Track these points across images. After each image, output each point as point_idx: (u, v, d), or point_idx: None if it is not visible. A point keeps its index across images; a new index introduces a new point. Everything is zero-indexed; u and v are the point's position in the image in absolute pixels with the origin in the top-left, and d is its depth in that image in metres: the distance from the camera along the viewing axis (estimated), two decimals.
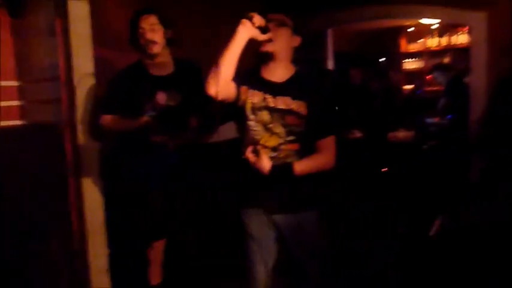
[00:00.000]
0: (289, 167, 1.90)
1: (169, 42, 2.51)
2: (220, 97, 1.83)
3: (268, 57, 1.93)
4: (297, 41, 1.96)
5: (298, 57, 2.01)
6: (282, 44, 1.90)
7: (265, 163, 1.87)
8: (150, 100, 2.43)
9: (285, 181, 1.92)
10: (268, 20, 1.84)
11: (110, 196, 2.66)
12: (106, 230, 2.64)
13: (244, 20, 1.78)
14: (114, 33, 3.21)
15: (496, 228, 1.92)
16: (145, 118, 2.38)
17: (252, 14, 1.79)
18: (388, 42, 8.13)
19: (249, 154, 1.87)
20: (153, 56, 2.47)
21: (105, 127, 2.47)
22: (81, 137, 2.52)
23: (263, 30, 1.81)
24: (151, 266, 2.67)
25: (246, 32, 1.79)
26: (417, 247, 2.62)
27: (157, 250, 2.65)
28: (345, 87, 4.93)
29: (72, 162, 2.52)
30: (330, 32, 6.19)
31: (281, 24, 1.88)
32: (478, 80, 4.19)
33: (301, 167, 1.91)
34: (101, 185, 2.61)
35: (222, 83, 1.79)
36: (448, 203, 2.08)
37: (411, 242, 2.91)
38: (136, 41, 2.45)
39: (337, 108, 3.67)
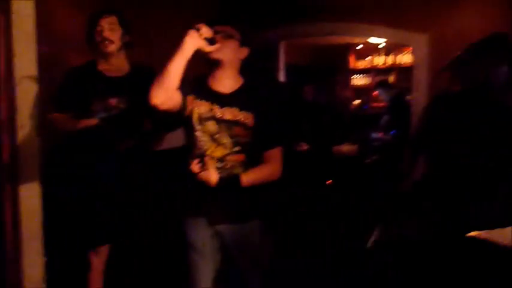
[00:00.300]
0: (236, 178, 1.91)
1: (126, 46, 2.49)
2: (163, 107, 1.82)
3: (216, 66, 1.93)
4: (244, 52, 1.97)
5: (249, 67, 2.04)
6: (229, 54, 1.91)
7: (213, 175, 1.87)
8: (101, 101, 2.39)
9: (231, 192, 1.93)
10: (215, 32, 1.85)
11: (53, 198, 2.56)
12: (44, 235, 2.54)
13: (191, 31, 1.78)
14: (60, 33, 3.13)
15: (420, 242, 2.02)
16: (95, 119, 2.34)
17: (200, 25, 1.79)
18: (338, 58, 8.39)
19: (195, 166, 1.86)
20: (107, 55, 2.43)
21: (53, 125, 2.41)
22: (20, 138, 2.42)
23: (210, 41, 1.82)
24: (92, 273, 2.58)
25: (192, 42, 1.79)
26: (356, 258, 2.72)
27: (100, 256, 2.56)
28: (296, 100, 5.03)
29: (8, 165, 2.41)
30: (282, 45, 6.32)
31: (228, 36, 1.89)
32: (419, 98, 4.42)
33: (248, 178, 1.93)
34: (40, 189, 2.51)
35: (165, 93, 1.78)
36: (384, 215, 2.17)
37: (351, 253, 3.02)
38: (92, 39, 2.41)
39: (287, 120, 3.74)
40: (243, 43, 1.94)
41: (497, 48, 1.96)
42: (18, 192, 2.42)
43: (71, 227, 2.60)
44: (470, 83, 2.04)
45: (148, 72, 2.45)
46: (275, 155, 2.00)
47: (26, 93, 2.44)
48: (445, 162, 2.11)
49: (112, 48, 2.42)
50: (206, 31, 1.80)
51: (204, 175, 1.86)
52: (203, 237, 2.03)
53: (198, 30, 1.78)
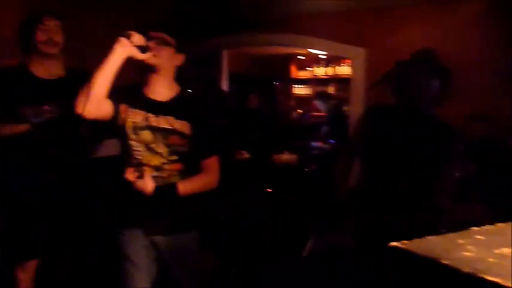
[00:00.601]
0: (173, 187, 1.87)
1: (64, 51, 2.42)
2: (90, 116, 1.76)
3: (150, 73, 1.89)
4: (180, 59, 1.94)
5: (191, 76, 2.01)
6: (164, 61, 1.87)
7: (148, 184, 1.82)
8: (33, 105, 2.27)
9: (168, 202, 1.89)
10: (149, 38, 1.82)
11: None
12: None
13: (121, 38, 1.73)
14: None
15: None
16: (26, 125, 2.22)
17: (131, 32, 1.74)
18: (280, 67, 8.54)
19: (130, 175, 1.81)
20: (47, 57, 2.34)
21: None
22: None
23: (143, 49, 1.77)
24: None
25: (123, 50, 1.74)
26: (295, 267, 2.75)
27: (27, 272, 2.42)
28: (239, 108, 5.05)
29: None
30: (225, 54, 6.34)
31: (163, 42, 1.86)
32: (356, 109, 4.59)
33: (185, 187, 1.89)
34: None
35: (92, 103, 1.73)
36: (320, 223, 2.22)
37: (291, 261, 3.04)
38: (30, 40, 2.31)
39: (228, 128, 3.74)
40: (178, 50, 1.91)
41: (427, 63, 2.07)
42: None
43: None
44: (403, 97, 2.13)
45: (85, 76, 2.37)
46: (212, 164, 1.98)
47: None
48: (375, 173, 2.20)
49: (55, 50, 2.35)
50: (138, 38, 1.75)
51: (139, 184, 1.81)
52: (139, 249, 1.97)
53: (128, 37, 1.73)
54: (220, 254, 3.35)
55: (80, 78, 2.23)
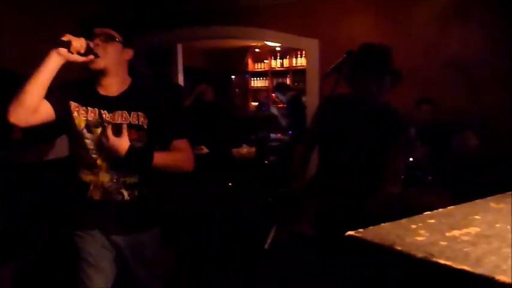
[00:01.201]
0: (149, 151, 1.77)
1: None
2: (24, 124, 1.68)
3: (100, 74, 1.82)
4: (129, 53, 1.87)
5: (144, 70, 1.95)
6: (112, 59, 1.79)
7: (124, 142, 1.72)
8: None
9: (141, 166, 1.80)
10: (94, 35, 1.74)
11: None
12: None
13: (59, 49, 1.62)
14: None
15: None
16: None
17: (69, 38, 1.62)
18: (236, 60, 8.51)
19: (108, 132, 1.72)
20: None
21: None
22: None
23: (84, 53, 1.67)
24: None
25: (59, 58, 1.64)
26: (255, 259, 2.76)
27: (2, 277, 2.35)
28: (196, 103, 4.98)
29: None
30: (179, 47, 6.24)
31: (109, 38, 1.77)
32: (312, 99, 4.64)
33: (160, 157, 1.80)
34: None
35: (25, 112, 1.64)
36: (279, 214, 2.22)
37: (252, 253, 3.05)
38: None
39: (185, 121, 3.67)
40: (125, 44, 1.83)
41: (379, 60, 2.10)
42: None
43: None
44: (354, 87, 2.16)
45: (9, 76, 2.26)
46: (184, 145, 1.90)
47: None
48: (330, 162, 2.23)
49: None
50: (77, 45, 1.63)
51: (114, 142, 1.71)
52: (97, 250, 1.91)
53: (68, 46, 1.62)
54: (182, 252, 3.32)
55: (13, 78, 2.13)
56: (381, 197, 2.04)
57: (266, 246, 1.98)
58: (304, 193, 2.19)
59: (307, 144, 2.34)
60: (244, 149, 4.32)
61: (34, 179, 2.58)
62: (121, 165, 1.81)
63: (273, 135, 5.67)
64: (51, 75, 1.66)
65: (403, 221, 0.79)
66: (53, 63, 1.64)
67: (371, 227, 0.76)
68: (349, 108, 2.19)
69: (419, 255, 0.63)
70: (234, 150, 4.29)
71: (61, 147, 2.98)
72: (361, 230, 0.75)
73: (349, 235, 0.73)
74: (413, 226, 0.76)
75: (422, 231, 0.73)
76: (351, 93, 2.19)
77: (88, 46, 1.67)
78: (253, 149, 4.37)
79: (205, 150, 3.96)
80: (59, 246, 2.49)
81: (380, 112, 2.16)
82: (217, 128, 4.54)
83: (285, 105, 6.21)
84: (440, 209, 0.87)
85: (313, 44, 4.68)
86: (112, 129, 1.77)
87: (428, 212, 0.84)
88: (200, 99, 4.20)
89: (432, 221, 0.80)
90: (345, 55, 2.21)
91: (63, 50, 1.62)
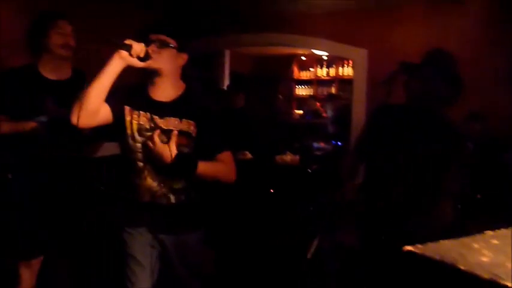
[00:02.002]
0: (194, 160, 1.81)
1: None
2: (85, 126, 1.76)
3: (155, 76, 1.86)
4: (183, 59, 1.91)
5: (192, 75, 1.99)
6: (167, 64, 1.84)
7: (172, 149, 1.76)
8: (40, 104, 2.28)
9: (185, 173, 1.84)
10: (150, 41, 1.79)
11: None
12: None
13: (120, 51, 1.69)
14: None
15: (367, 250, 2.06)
16: (32, 123, 2.22)
17: (130, 42, 1.70)
18: (282, 68, 8.52)
19: (156, 137, 1.76)
20: (61, 59, 2.37)
21: None
22: None
23: (143, 58, 1.73)
24: (21, 286, 2.41)
25: (121, 62, 1.72)
26: (296, 268, 2.73)
27: (30, 269, 2.41)
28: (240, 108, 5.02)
29: None
30: (227, 53, 6.33)
31: (163, 45, 1.82)
32: (359, 109, 4.58)
33: (204, 167, 1.84)
34: None
35: (86, 114, 1.71)
36: (324, 224, 2.20)
37: (292, 262, 3.03)
38: (41, 42, 2.33)
39: (230, 128, 3.71)
40: (180, 49, 1.88)
41: (438, 65, 2.04)
42: None
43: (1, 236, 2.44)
44: (412, 98, 2.10)
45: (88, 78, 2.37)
46: (227, 157, 1.94)
47: None
48: (381, 174, 2.17)
49: (70, 53, 2.38)
50: (137, 49, 1.71)
51: (162, 148, 1.76)
52: (143, 248, 1.96)
53: (129, 49, 1.69)
54: (222, 253, 3.34)
55: (84, 80, 2.25)
56: (433, 216, 1.96)
57: (309, 256, 1.96)
58: (352, 204, 2.16)
59: (358, 154, 2.30)
60: (288, 156, 4.31)
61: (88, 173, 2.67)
62: (167, 171, 1.85)
63: (315, 144, 5.61)
64: (113, 78, 1.73)
65: (465, 239, 0.76)
66: (114, 67, 1.71)
67: (430, 243, 0.74)
68: (403, 119, 2.13)
69: (486, 276, 0.61)
70: (278, 157, 4.28)
71: (110, 146, 3.09)
72: (419, 245, 0.73)
73: (408, 250, 0.71)
74: (476, 245, 0.74)
75: (485, 252, 0.71)
76: (406, 103, 2.13)
77: (147, 51, 1.73)
78: (297, 157, 4.35)
79: (248, 155, 3.98)
80: (109, 240, 2.57)
81: (436, 124, 2.08)
82: (261, 134, 4.57)
83: (332, 116, 6.11)
84: (502, 229, 0.84)
85: (362, 54, 4.63)
86: (161, 135, 1.82)
87: (491, 232, 0.81)
88: (230, 104, 4.21)
89: (495, 241, 0.76)
90: (399, 66, 2.17)
91: (124, 53, 1.69)
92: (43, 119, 2.26)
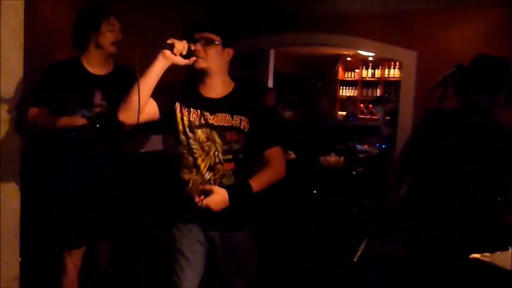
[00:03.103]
0: (246, 187, 1.84)
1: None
2: (131, 123, 1.78)
3: (203, 74, 1.89)
4: (229, 53, 1.92)
5: (238, 73, 2.00)
6: (214, 60, 1.86)
7: (222, 194, 1.79)
8: (84, 98, 2.32)
9: (244, 201, 1.87)
10: (195, 40, 1.81)
11: (29, 196, 2.49)
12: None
13: (164, 51, 1.72)
14: (46, 25, 3.09)
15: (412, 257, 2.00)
16: (80, 118, 2.26)
17: (172, 41, 1.72)
18: (327, 68, 8.45)
19: (199, 201, 1.78)
20: (108, 55, 2.39)
21: (31, 121, 2.31)
22: (2, 135, 2.34)
23: (186, 55, 1.75)
24: (66, 275, 2.47)
25: (165, 61, 1.74)
26: (343, 271, 2.70)
27: (74, 258, 2.46)
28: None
29: None
30: (272, 52, 6.34)
31: (208, 42, 1.84)
32: (406, 112, 4.47)
33: (257, 184, 1.86)
34: (19, 188, 2.43)
35: (132, 112, 1.74)
36: (372, 228, 2.15)
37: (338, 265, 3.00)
38: (89, 37, 2.35)
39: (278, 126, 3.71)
40: (225, 45, 1.89)
41: (491, 67, 1.97)
42: None
43: (46, 227, 2.51)
44: (467, 103, 2.04)
45: (131, 72, 2.40)
46: (277, 153, 1.94)
47: (11, 88, 2.37)
48: (433, 180, 2.10)
49: (116, 49, 2.39)
50: (180, 47, 1.72)
51: (211, 201, 1.77)
52: (192, 244, 1.99)
53: (171, 48, 1.71)
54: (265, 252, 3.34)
55: (127, 74, 2.25)
56: (494, 224, 1.87)
57: (355, 259, 1.93)
58: (399, 210, 2.11)
59: (405, 159, 2.25)
60: (333, 158, 4.27)
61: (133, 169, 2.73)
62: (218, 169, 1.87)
63: (359, 147, 5.53)
64: (157, 77, 1.75)
65: None
66: (158, 66, 1.74)
67: (498, 253, 0.72)
68: (455, 124, 2.06)
69: None
70: (322, 158, 4.25)
71: (155, 141, 3.15)
72: (487, 254, 0.71)
73: (475, 258, 0.69)
74: None
75: None
76: (458, 107, 2.06)
77: (189, 48, 1.75)
78: (341, 159, 4.30)
79: (292, 155, 3.98)
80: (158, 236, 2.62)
81: (490, 130, 2.01)
82: (305, 135, 4.55)
83: (383, 119, 5.99)
84: None
85: (411, 55, 4.51)
86: (211, 132, 1.86)
87: None
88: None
89: None
90: (454, 68, 2.10)
91: (167, 52, 1.72)
92: (87, 113, 2.31)
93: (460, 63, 2.17)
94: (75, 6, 2.46)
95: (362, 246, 1.94)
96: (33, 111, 2.31)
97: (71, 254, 2.45)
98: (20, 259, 2.50)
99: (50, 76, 2.36)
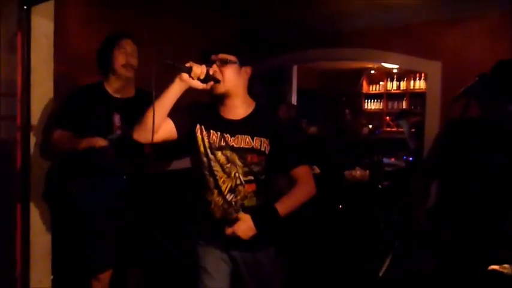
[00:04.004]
0: (273, 212, 1.83)
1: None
2: (143, 141, 1.80)
3: (223, 97, 1.90)
4: (247, 72, 1.92)
5: (261, 91, 2.01)
6: (232, 81, 1.86)
7: (247, 219, 1.80)
8: (105, 121, 2.38)
9: (272, 226, 1.86)
10: (211, 62, 1.83)
11: (54, 219, 2.55)
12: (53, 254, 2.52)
13: (182, 74, 1.73)
14: (74, 52, 3.20)
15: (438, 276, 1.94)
16: (100, 139, 2.31)
17: (191, 64, 1.73)
18: (351, 82, 8.41)
19: (229, 231, 1.80)
20: (124, 79, 2.45)
21: (55, 143, 2.39)
22: (33, 156, 2.43)
23: (204, 80, 1.76)
24: None
25: (182, 84, 1.75)
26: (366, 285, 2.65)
27: (101, 282, 2.49)
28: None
29: (20, 182, 2.41)
30: (295, 69, 6.38)
31: (224, 62, 1.85)
32: (432, 123, 4.40)
33: (283, 207, 1.85)
34: (48, 208, 2.50)
35: (146, 132, 1.76)
36: (397, 244, 2.11)
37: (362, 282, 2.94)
38: (109, 61, 2.43)
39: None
40: (242, 64, 1.89)
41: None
42: (28, 210, 2.41)
43: (72, 252, 2.56)
44: (490, 112, 2.00)
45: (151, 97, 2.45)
46: (305, 171, 1.93)
47: (42, 111, 2.46)
48: (458, 192, 2.06)
49: (131, 73, 2.45)
50: (198, 71, 1.73)
51: (239, 230, 1.79)
52: (215, 261, 1.98)
53: (189, 72, 1.73)
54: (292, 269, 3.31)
55: (147, 98, 2.32)
56: None
57: (380, 274, 1.90)
58: (424, 223, 2.06)
59: (430, 171, 2.20)
60: (358, 172, 4.23)
61: (158, 188, 2.75)
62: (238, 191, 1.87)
63: (386, 160, 5.46)
64: (174, 99, 1.77)
65: None
66: (176, 89, 1.76)
67: None
68: (480, 133, 2.02)
69: None
70: (347, 173, 4.21)
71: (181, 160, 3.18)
72: (506, 265, 0.69)
73: (493, 269, 0.68)
74: None
75: None
76: (483, 116, 2.02)
77: (208, 73, 1.76)
78: (366, 172, 4.25)
79: (317, 170, 3.95)
80: (182, 253, 2.63)
81: None
82: (330, 149, 4.53)
83: (407, 134, 5.91)
84: None
85: (436, 66, 4.47)
86: (232, 154, 1.87)
87: None
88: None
89: None
90: (477, 78, 2.07)
91: (185, 76, 1.73)
92: (112, 136, 2.35)
93: (483, 72, 2.14)
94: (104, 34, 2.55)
95: (387, 262, 1.90)
96: (58, 133, 2.39)
97: (98, 278, 2.47)
98: (51, 277, 2.56)
99: (73, 99, 2.44)
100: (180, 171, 2.97)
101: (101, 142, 2.31)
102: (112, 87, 2.47)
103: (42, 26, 2.44)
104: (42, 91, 2.45)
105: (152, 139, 1.76)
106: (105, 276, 2.48)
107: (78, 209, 2.43)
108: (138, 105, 2.33)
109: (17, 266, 2.40)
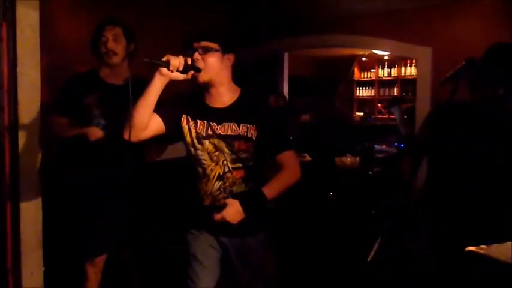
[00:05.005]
0: (259, 195, 1.85)
1: (129, 55, 2.53)
2: (137, 140, 1.82)
3: (207, 86, 1.90)
4: (230, 59, 1.92)
5: (251, 79, 2.01)
6: (213, 69, 1.86)
7: (235, 204, 1.81)
8: (100, 107, 2.40)
9: (259, 209, 1.88)
10: (193, 49, 1.83)
11: (48, 206, 2.56)
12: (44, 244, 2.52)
13: (160, 69, 1.74)
14: (62, 42, 3.17)
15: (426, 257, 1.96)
16: (97, 130, 2.35)
17: (168, 58, 1.72)
18: (342, 69, 8.41)
19: (218, 217, 1.81)
20: (110, 66, 2.49)
21: (52, 129, 2.44)
22: (22, 148, 2.42)
23: (183, 70, 1.76)
24: (88, 283, 2.52)
25: (162, 78, 1.76)
26: (355, 272, 2.68)
27: (95, 266, 2.51)
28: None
29: (9, 173, 2.40)
30: (286, 56, 6.36)
31: (206, 50, 1.84)
32: (423, 109, 4.42)
33: (270, 190, 1.87)
34: (40, 199, 2.50)
35: (136, 129, 1.78)
36: (386, 227, 2.13)
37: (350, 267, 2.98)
38: (97, 49, 2.48)
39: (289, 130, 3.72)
40: (224, 51, 1.88)
41: (504, 59, 1.93)
42: (18, 201, 2.41)
43: (66, 236, 2.59)
44: (479, 95, 2.00)
45: (145, 82, 2.45)
46: (290, 156, 1.94)
47: (29, 102, 2.44)
48: (445, 174, 2.07)
49: (115, 59, 2.47)
50: (176, 63, 1.73)
51: (227, 214, 1.80)
52: (205, 248, 2.00)
53: (167, 65, 1.72)
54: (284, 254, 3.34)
55: (142, 85, 2.32)
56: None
57: (369, 259, 1.92)
58: (414, 208, 2.08)
59: (416, 155, 2.21)
60: (348, 159, 4.24)
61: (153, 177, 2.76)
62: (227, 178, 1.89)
63: (377, 146, 5.49)
64: (157, 94, 1.78)
65: None
66: (157, 83, 1.77)
67: (495, 244, 0.71)
68: (469, 117, 2.02)
69: None
70: (337, 159, 4.23)
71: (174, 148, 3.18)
72: (483, 246, 0.70)
73: (470, 250, 0.69)
74: None
75: None
76: (471, 100, 2.02)
77: (186, 63, 1.76)
78: (357, 159, 4.27)
79: (307, 157, 3.97)
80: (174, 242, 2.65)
81: (507, 121, 1.96)
82: (321, 136, 4.54)
83: (399, 121, 5.93)
84: None
85: (426, 52, 4.47)
86: (219, 141, 1.88)
87: None
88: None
89: None
90: (464, 63, 2.08)
91: (164, 70, 1.73)
92: (103, 121, 2.39)
93: (471, 57, 2.14)
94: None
95: (376, 246, 1.92)
96: (56, 120, 2.45)
97: (91, 263, 2.49)
98: (43, 268, 2.56)
99: (68, 86, 2.49)
100: (175, 160, 2.97)
101: (96, 133, 2.34)
102: (104, 73, 2.52)
103: (28, 17, 2.41)
104: (28, 81, 2.43)
105: (140, 138, 1.80)
106: (100, 261, 2.51)
107: (74, 195, 2.48)
108: (132, 91, 2.37)
109: (7, 258, 2.40)
